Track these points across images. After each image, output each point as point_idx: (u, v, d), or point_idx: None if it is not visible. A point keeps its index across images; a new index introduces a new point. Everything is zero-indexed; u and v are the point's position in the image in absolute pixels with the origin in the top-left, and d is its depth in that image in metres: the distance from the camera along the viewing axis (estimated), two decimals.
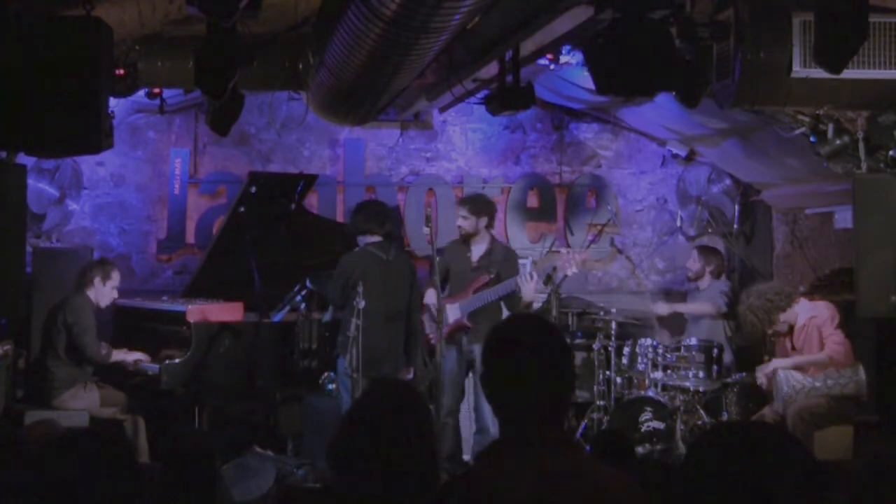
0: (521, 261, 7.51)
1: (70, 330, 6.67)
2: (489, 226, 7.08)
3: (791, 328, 6.53)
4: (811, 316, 6.42)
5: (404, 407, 2.51)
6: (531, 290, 6.80)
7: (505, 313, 7.02)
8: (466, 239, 7.09)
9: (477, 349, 6.92)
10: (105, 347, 6.85)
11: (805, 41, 4.60)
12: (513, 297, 6.91)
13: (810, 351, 6.40)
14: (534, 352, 2.27)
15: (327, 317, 7.25)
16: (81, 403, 6.68)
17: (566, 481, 2.19)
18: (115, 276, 6.92)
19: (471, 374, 7.04)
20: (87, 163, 8.26)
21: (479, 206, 7.08)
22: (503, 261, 7.02)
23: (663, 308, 7.71)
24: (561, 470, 2.20)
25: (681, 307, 7.79)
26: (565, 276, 7.02)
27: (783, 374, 6.38)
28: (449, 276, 7.09)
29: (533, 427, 2.25)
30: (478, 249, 7.06)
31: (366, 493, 2.42)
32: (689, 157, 8.58)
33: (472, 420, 7.12)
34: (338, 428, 2.51)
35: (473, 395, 7.07)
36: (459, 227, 7.08)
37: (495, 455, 2.29)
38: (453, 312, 6.85)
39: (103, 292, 6.85)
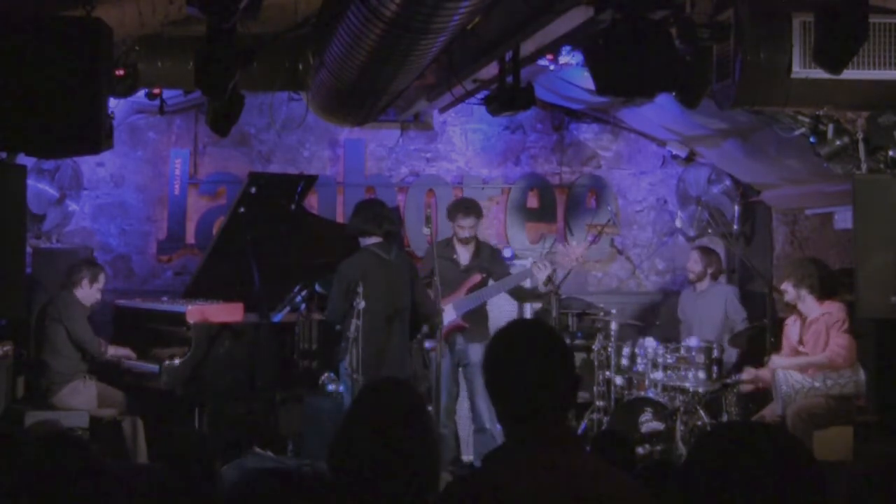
0: (521, 261, 7.55)
1: (63, 322, 6.72)
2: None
3: (803, 320, 6.52)
4: (825, 312, 6.42)
5: (404, 406, 2.52)
6: (544, 277, 6.96)
7: (491, 312, 7.20)
8: (450, 240, 7.23)
9: (471, 348, 6.97)
10: (103, 344, 6.93)
11: (805, 41, 4.60)
12: (520, 289, 7.18)
13: (816, 347, 6.40)
14: (537, 354, 2.32)
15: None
16: (81, 399, 6.70)
17: (575, 480, 2.21)
18: (102, 279, 6.99)
19: (462, 373, 7.11)
20: (87, 163, 8.26)
21: (480, 211, 7.26)
22: (491, 259, 7.20)
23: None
24: (569, 469, 2.22)
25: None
26: (568, 273, 7.06)
27: (782, 373, 6.38)
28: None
29: (540, 428, 2.28)
30: (465, 250, 7.19)
31: (366, 493, 2.42)
32: (689, 158, 8.58)
33: (470, 420, 7.14)
34: (337, 429, 2.52)
35: (469, 395, 7.09)
36: (462, 233, 7.16)
37: (504, 456, 2.31)
38: (448, 314, 6.87)
39: (89, 293, 6.90)
